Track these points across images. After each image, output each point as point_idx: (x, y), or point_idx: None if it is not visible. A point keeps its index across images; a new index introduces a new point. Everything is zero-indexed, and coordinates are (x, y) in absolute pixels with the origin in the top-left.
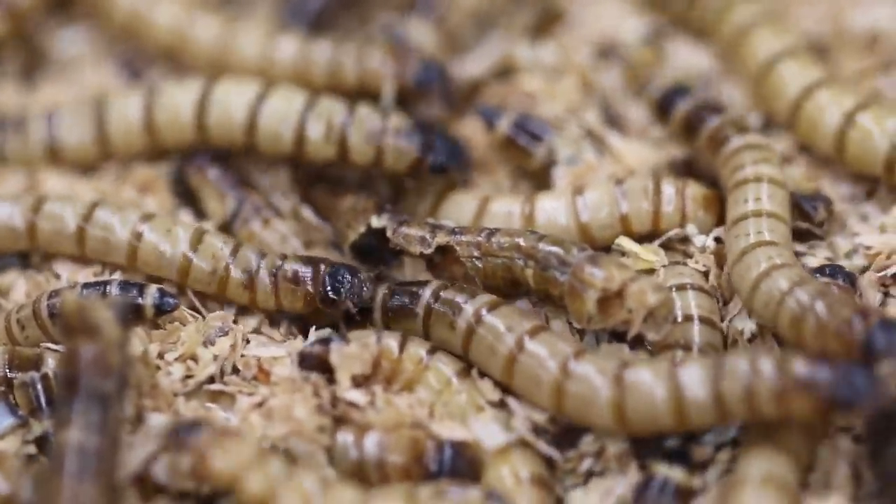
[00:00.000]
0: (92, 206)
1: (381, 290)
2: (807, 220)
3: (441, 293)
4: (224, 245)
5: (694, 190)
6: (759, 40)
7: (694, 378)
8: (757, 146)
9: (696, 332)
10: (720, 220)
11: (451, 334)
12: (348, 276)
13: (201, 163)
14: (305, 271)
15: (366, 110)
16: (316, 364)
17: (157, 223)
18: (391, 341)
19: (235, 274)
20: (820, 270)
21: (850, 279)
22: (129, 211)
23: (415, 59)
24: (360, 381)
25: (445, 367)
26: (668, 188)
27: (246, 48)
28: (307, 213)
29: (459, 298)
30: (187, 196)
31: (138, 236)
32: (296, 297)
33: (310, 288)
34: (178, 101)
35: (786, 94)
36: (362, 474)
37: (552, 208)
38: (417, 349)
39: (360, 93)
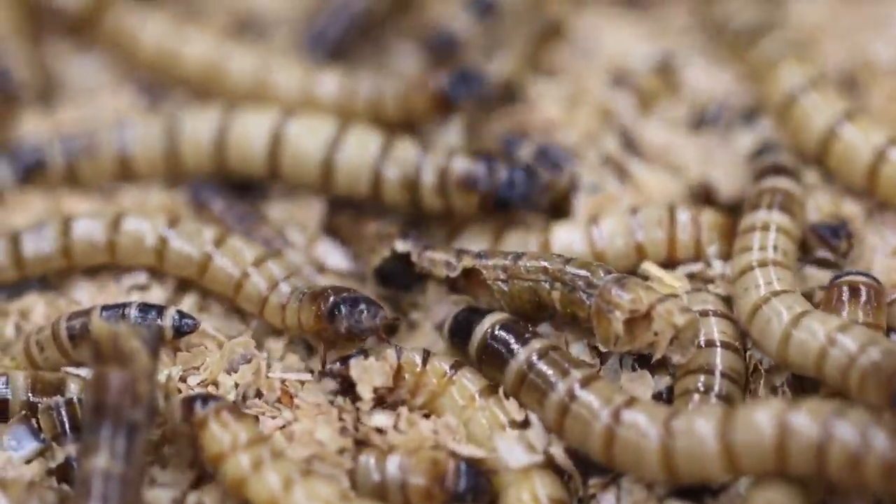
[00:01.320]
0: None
1: (488, 321)
2: (828, 249)
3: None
4: (279, 270)
5: (709, 217)
6: (784, 72)
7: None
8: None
9: (720, 357)
10: None
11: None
12: (350, 305)
13: (206, 196)
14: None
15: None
16: (338, 382)
17: (226, 247)
18: (414, 354)
19: (274, 298)
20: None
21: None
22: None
23: (444, 74)
24: (383, 397)
25: (470, 382)
26: (683, 216)
27: (285, 83)
28: (322, 246)
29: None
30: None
31: (208, 257)
32: (310, 316)
33: (322, 308)
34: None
35: (813, 128)
36: (385, 497)
37: (568, 238)
38: (441, 363)
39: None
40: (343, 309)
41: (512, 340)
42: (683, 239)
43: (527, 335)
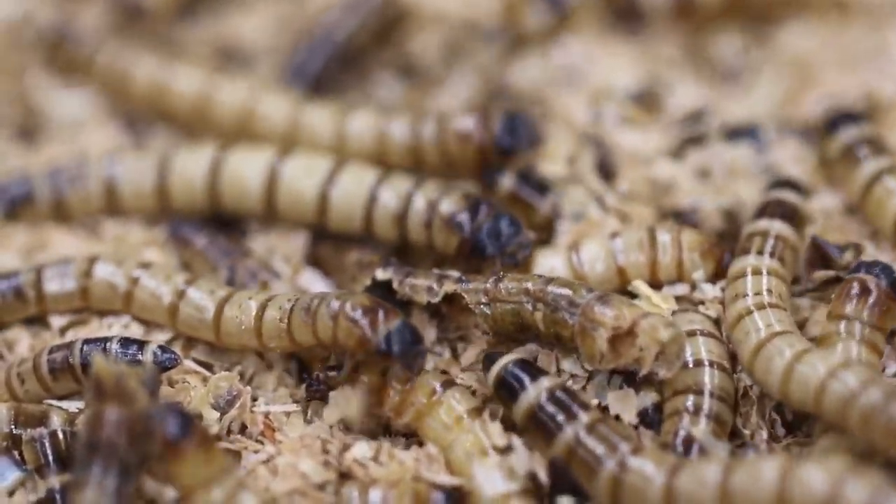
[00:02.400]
0: (187, 283)
1: (542, 385)
2: (831, 266)
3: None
4: (287, 301)
5: (689, 237)
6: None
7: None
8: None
9: (708, 376)
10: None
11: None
12: (408, 336)
13: (187, 234)
14: (364, 317)
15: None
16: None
17: (234, 300)
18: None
19: (298, 312)
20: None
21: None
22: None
23: (497, 121)
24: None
25: (458, 403)
26: (663, 237)
27: (318, 126)
28: (306, 276)
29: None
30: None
31: (220, 311)
32: (350, 336)
33: (367, 332)
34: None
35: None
36: None
37: (549, 264)
38: (431, 380)
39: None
40: (395, 342)
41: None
42: (665, 261)
43: (573, 407)
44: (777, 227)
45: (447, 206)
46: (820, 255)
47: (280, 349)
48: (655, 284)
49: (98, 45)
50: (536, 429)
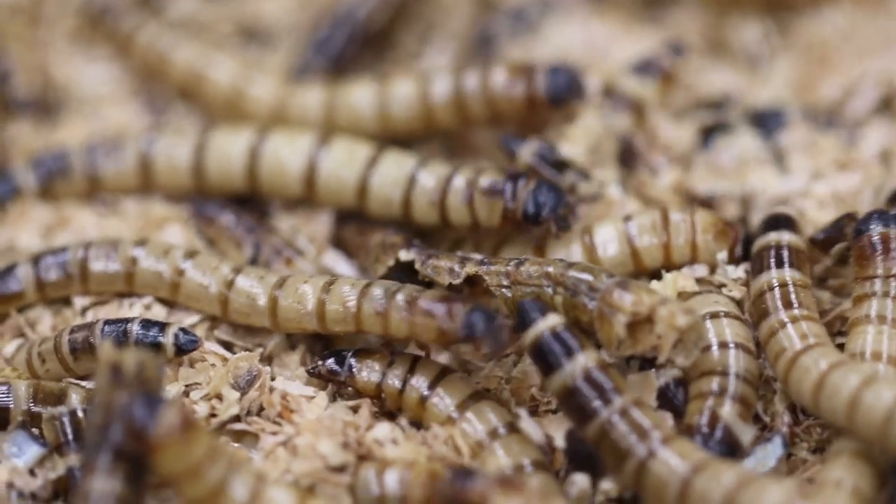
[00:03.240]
0: (235, 272)
1: (578, 364)
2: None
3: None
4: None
5: (703, 218)
6: None
7: None
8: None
9: (734, 358)
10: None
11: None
12: (483, 321)
13: (212, 212)
14: (439, 307)
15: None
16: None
17: (288, 285)
18: (394, 379)
19: (369, 303)
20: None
21: None
22: (269, 275)
23: (542, 73)
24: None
25: (443, 404)
26: (676, 218)
27: (361, 99)
28: (329, 257)
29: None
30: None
31: (275, 300)
32: (429, 329)
33: (444, 323)
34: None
35: None
36: None
37: (565, 248)
38: (419, 383)
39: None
40: (478, 324)
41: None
42: (678, 242)
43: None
44: (787, 237)
45: (486, 180)
46: (822, 245)
47: (344, 333)
48: (669, 266)
49: (139, 23)
50: (570, 408)
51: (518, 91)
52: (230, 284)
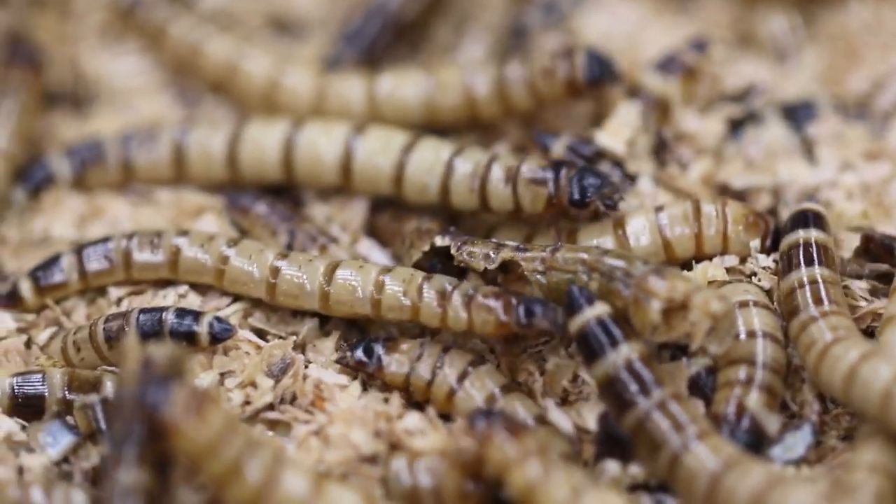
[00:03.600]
0: (280, 258)
1: (622, 353)
2: (884, 258)
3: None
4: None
5: (734, 209)
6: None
7: None
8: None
9: (761, 347)
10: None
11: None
12: (540, 305)
13: (246, 202)
14: (496, 302)
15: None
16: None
17: (345, 265)
18: (424, 370)
19: (428, 297)
20: None
21: None
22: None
23: (581, 54)
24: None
25: (473, 395)
26: (708, 209)
27: (409, 91)
28: (363, 245)
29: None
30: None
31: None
32: (487, 323)
33: (503, 316)
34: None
35: None
36: (418, 501)
37: (597, 240)
38: (448, 376)
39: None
40: (535, 311)
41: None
42: (710, 233)
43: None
44: (815, 234)
45: (528, 169)
46: (870, 246)
47: (397, 321)
48: (700, 257)
49: (170, 16)
50: (611, 397)
51: (561, 73)
52: (276, 271)
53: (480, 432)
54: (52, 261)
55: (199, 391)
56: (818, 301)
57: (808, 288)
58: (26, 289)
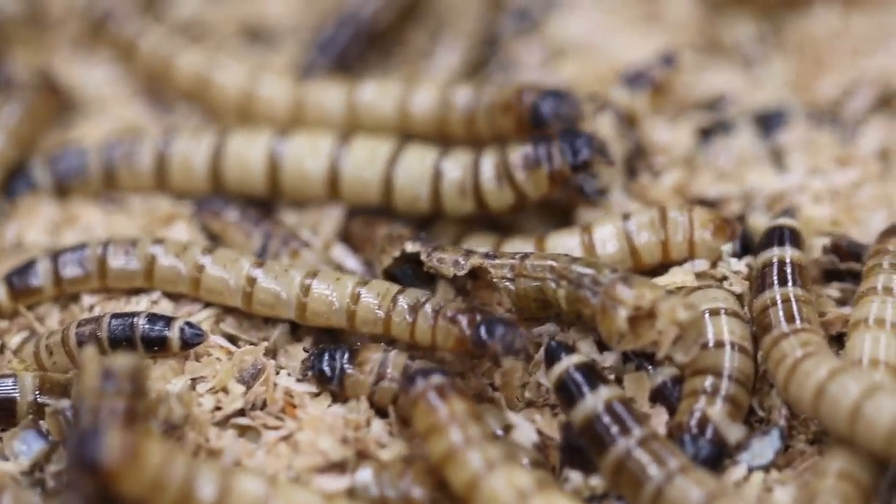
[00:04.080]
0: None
1: (600, 396)
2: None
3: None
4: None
5: (700, 215)
6: None
7: None
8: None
9: (728, 358)
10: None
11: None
12: (502, 327)
13: (217, 208)
14: (462, 316)
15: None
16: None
17: (322, 276)
18: (388, 380)
19: (399, 310)
20: None
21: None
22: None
23: (533, 94)
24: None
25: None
26: (674, 215)
27: (383, 105)
28: (337, 251)
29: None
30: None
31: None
32: (449, 336)
33: (465, 329)
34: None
35: None
36: None
37: (565, 246)
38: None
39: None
40: (494, 331)
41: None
42: (677, 240)
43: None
44: (790, 252)
45: (516, 154)
46: (838, 252)
47: (371, 335)
48: (667, 263)
49: (142, 29)
50: (591, 438)
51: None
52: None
53: (412, 393)
54: (28, 266)
55: (130, 433)
56: (790, 319)
57: (780, 306)
58: (1, 293)
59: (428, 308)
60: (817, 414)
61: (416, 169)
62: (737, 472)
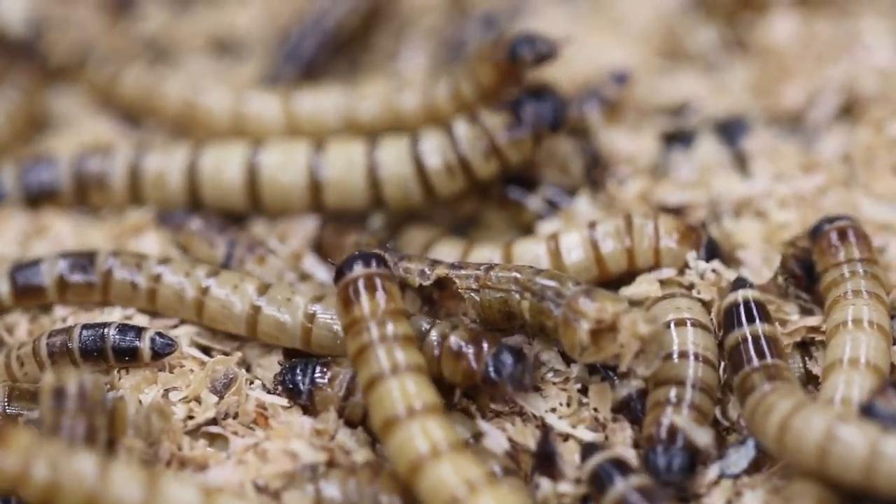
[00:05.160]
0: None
1: (630, 482)
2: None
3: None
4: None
5: (665, 223)
6: None
7: None
8: None
9: (692, 369)
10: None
11: None
12: (511, 359)
13: (179, 220)
14: (468, 348)
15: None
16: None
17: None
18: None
19: None
20: None
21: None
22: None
23: (505, 42)
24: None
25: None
26: (639, 223)
27: (368, 108)
28: (308, 261)
29: None
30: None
31: (311, 317)
32: (456, 370)
33: (473, 364)
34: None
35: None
36: None
37: (531, 255)
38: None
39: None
40: (503, 368)
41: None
42: (642, 247)
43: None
44: (752, 293)
45: (495, 120)
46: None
47: None
48: (633, 272)
49: (119, 68)
50: None
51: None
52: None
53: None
54: (33, 263)
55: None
56: (761, 355)
57: (750, 343)
58: (4, 288)
59: (434, 336)
60: (782, 448)
61: (397, 162)
62: (708, 475)
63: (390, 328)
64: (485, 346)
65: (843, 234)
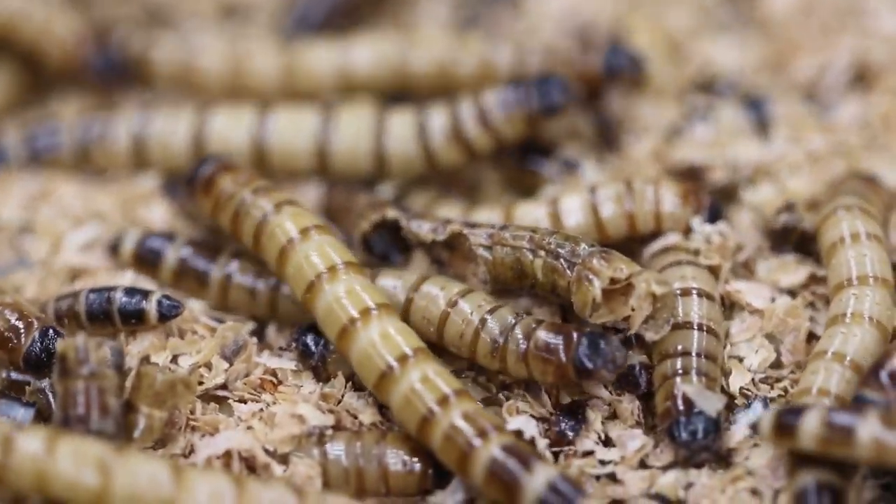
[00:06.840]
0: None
1: None
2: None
3: None
4: (477, 309)
5: (667, 188)
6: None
7: None
8: None
9: (696, 340)
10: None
11: None
12: (603, 344)
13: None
14: (557, 341)
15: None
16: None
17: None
18: None
19: (485, 338)
20: None
21: None
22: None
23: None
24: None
25: None
26: (640, 187)
27: (424, 58)
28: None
29: None
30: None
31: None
32: (547, 370)
33: (563, 358)
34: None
35: None
36: (362, 482)
37: (531, 217)
38: None
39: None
40: (599, 353)
41: None
42: (643, 211)
43: None
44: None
45: (492, 97)
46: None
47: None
48: (634, 236)
49: (150, 46)
50: None
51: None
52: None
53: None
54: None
55: None
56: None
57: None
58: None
59: (518, 332)
60: None
61: (402, 130)
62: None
63: (257, 184)
64: (573, 336)
65: None
